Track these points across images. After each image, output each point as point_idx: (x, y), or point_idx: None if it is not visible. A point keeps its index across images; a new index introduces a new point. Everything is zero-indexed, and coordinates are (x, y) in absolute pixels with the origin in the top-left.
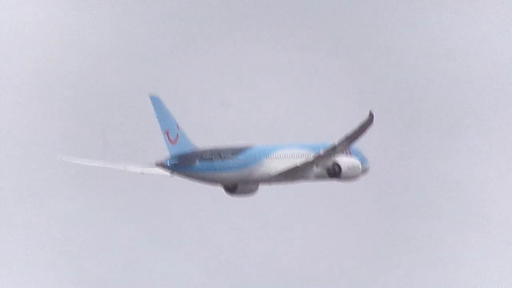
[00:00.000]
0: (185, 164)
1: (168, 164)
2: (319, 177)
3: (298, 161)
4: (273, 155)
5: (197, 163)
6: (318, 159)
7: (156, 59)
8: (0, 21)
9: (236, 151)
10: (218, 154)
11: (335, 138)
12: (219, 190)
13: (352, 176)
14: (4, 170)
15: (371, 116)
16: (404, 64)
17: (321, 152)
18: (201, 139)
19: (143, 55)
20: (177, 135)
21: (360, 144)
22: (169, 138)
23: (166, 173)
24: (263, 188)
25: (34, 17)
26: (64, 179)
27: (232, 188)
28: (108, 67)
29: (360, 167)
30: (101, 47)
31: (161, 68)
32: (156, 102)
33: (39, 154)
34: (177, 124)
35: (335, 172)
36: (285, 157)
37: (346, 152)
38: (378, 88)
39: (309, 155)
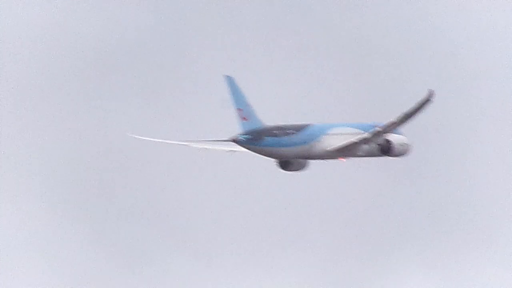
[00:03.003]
0: (255, 139)
1: (241, 139)
2: (369, 153)
3: (354, 138)
4: (330, 133)
5: (266, 138)
6: (374, 136)
7: (231, 41)
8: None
9: (298, 128)
10: (283, 130)
11: (381, 119)
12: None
13: (401, 152)
14: (79, 147)
15: (430, 94)
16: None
17: (379, 128)
18: (264, 117)
19: (218, 37)
20: (248, 113)
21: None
22: (241, 116)
23: (237, 148)
24: (313, 163)
25: None
26: (134, 156)
27: (285, 164)
28: (187, 49)
29: (409, 144)
30: (179, 30)
31: (235, 50)
32: (230, 81)
33: (111, 133)
34: (248, 103)
35: (386, 149)
36: (340, 134)
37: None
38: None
39: (360, 133)
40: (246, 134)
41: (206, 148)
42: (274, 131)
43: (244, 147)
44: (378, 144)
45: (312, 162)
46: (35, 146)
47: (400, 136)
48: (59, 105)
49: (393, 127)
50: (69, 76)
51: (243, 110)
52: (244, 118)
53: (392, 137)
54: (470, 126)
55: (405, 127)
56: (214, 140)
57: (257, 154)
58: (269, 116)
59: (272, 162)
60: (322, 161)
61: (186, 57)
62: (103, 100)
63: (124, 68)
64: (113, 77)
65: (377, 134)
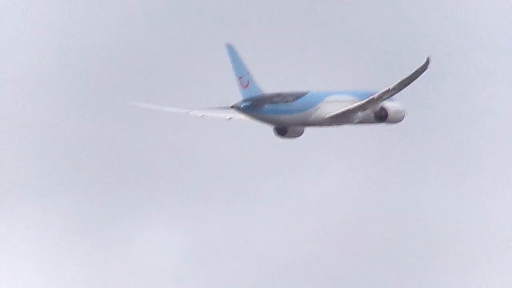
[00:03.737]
0: (255, 106)
1: (242, 107)
2: (364, 121)
3: (350, 105)
4: (327, 100)
5: (265, 106)
6: (370, 103)
7: (232, 9)
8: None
9: (296, 96)
10: (282, 98)
11: (377, 87)
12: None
13: (396, 120)
14: (78, 112)
15: (427, 62)
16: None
17: (374, 96)
18: (264, 85)
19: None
20: (248, 80)
21: None
22: (241, 83)
23: (237, 115)
24: (308, 131)
25: None
26: (134, 123)
27: (282, 131)
28: (188, 17)
29: (404, 111)
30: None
31: (236, 18)
32: (230, 50)
33: (112, 100)
34: (248, 71)
35: (382, 116)
36: (337, 102)
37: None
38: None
39: (357, 101)
40: (246, 101)
41: (206, 116)
42: (274, 99)
43: (243, 114)
44: (374, 112)
45: (308, 129)
46: (36, 115)
47: (395, 103)
48: (60, 74)
49: (388, 94)
50: (71, 46)
51: (243, 77)
52: (244, 86)
53: (387, 105)
54: (466, 94)
55: (400, 94)
56: (214, 108)
57: (256, 121)
58: (269, 83)
59: (269, 129)
60: (318, 128)
61: (187, 25)
62: (103, 68)
63: (125, 36)
64: (113, 45)
65: (373, 101)
